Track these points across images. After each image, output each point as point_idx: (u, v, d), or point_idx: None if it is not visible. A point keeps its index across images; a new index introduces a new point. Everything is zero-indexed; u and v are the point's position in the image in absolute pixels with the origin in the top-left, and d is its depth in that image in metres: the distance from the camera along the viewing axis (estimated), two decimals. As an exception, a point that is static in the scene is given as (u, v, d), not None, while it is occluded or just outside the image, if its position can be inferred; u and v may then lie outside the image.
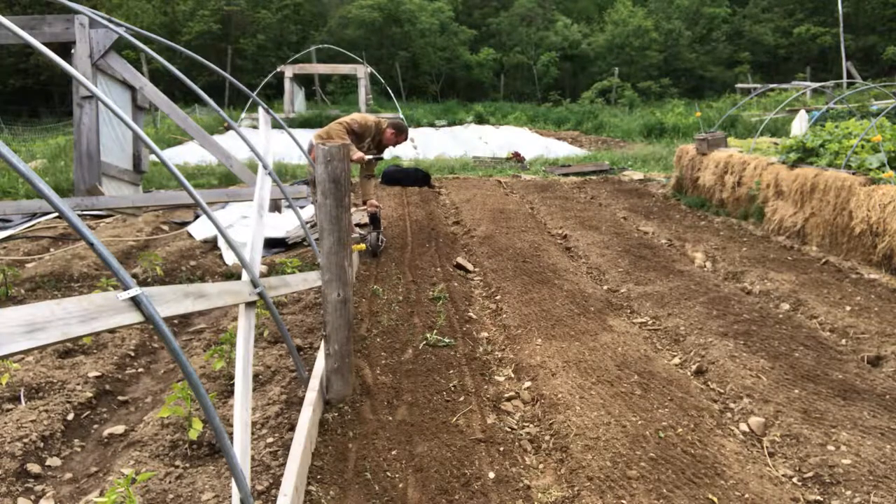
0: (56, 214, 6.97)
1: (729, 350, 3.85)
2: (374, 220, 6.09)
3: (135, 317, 1.68)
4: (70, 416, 3.20)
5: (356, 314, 4.45)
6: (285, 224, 6.76)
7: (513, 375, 3.74)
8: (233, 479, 2.11)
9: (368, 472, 2.71)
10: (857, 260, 5.59)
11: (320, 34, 26.61)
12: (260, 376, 3.58)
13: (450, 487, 2.62)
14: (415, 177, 10.03)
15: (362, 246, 5.99)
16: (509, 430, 3.13)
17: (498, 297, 5.00)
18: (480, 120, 20.38)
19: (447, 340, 4.08)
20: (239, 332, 2.56)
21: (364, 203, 6.11)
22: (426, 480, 2.66)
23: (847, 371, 3.57)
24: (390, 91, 20.65)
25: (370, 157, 5.95)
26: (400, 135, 6.03)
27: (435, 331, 4.23)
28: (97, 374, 3.60)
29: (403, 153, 12.88)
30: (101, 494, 2.50)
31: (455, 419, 3.15)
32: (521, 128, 18.58)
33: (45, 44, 2.30)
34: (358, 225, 6.93)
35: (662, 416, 3.11)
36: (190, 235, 6.85)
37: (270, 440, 2.91)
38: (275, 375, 3.60)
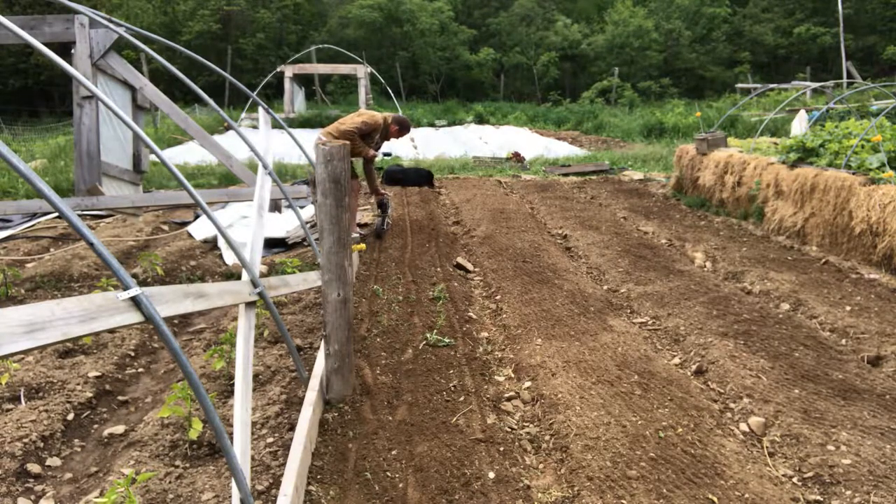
0: (56, 214, 6.98)
1: (729, 350, 3.85)
2: (382, 205, 6.82)
3: (135, 317, 1.68)
4: (70, 416, 3.20)
5: (356, 314, 4.45)
6: (285, 224, 6.76)
7: (513, 375, 3.74)
8: (233, 479, 2.11)
9: (368, 472, 2.71)
10: (857, 260, 5.59)
11: (320, 34, 26.63)
12: (260, 376, 3.58)
13: (450, 487, 2.61)
14: (417, 176, 10.01)
15: (362, 246, 6.02)
16: (509, 430, 3.13)
17: (498, 297, 5.00)
18: (480, 120, 20.39)
19: (447, 340, 4.08)
20: (239, 332, 2.56)
21: (372, 192, 6.92)
22: (426, 480, 2.66)
23: (847, 371, 3.57)
24: (390, 91, 20.66)
25: (378, 152, 6.69)
26: (402, 130, 6.54)
27: (435, 331, 4.23)
28: (97, 374, 3.60)
29: (404, 153, 12.88)
30: (101, 494, 2.50)
31: (455, 419, 3.15)
32: (521, 128, 18.58)
33: (45, 44, 2.30)
34: (359, 225, 6.98)
35: (662, 416, 3.11)
36: (190, 235, 6.85)
37: (270, 440, 2.91)
38: (275, 375, 3.60)
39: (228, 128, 14.92)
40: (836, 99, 12.84)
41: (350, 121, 6.19)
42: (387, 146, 6.96)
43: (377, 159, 7.18)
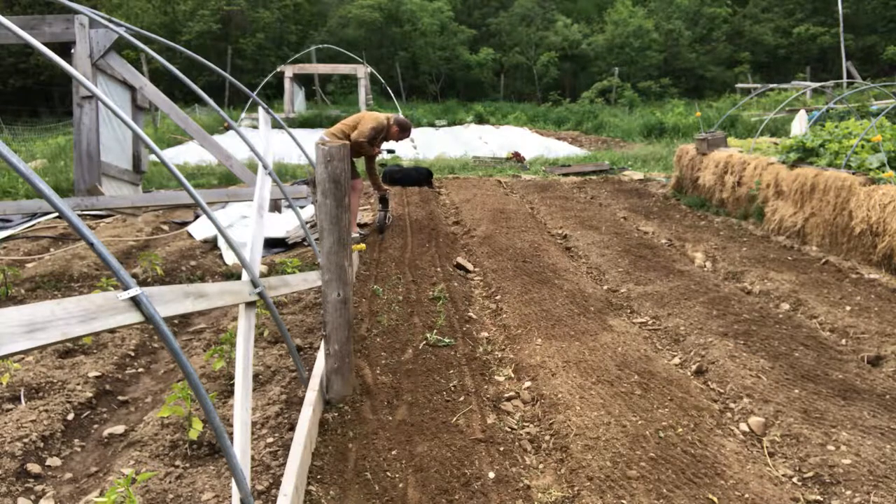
0: (56, 214, 6.98)
1: (729, 350, 3.85)
2: (384, 200, 7.03)
3: (135, 317, 1.68)
4: (70, 416, 3.20)
5: (356, 314, 4.45)
6: (285, 224, 6.76)
7: (513, 375, 3.74)
8: (233, 479, 2.11)
9: (368, 472, 2.71)
10: (857, 260, 5.59)
11: (320, 34, 26.64)
12: (260, 376, 3.58)
13: (450, 487, 2.61)
14: (416, 176, 10.01)
15: (362, 246, 6.02)
16: (509, 430, 3.13)
17: (498, 297, 5.00)
18: (480, 120, 20.39)
19: (447, 340, 4.08)
20: (239, 332, 2.56)
21: (375, 188, 7.14)
22: (426, 480, 2.66)
23: (847, 371, 3.57)
24: (390, 91, 20.66)
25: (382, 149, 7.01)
26: (403, 133, 6.61)
27: (435, 331, 4.23)
28: (97, 374, 3.60)
29: (404, 153, 12.88)
30: (101, 494, 2.50)
31: (455, 419, 3.15)
32: (521, 128, 18.58)
33: (45, 44, 2.30)
34: (359, 225, 7.00)
35: (662, 415, 3.11)
36: (190, 235, 6.85)
37: (270, 440, 2.91)
38: (275, 375, 3.60)
39: (228, 128, 14.92)
40: (836, 99, 12.84)
41: (359, 129, 6.18)
42: (389, 144, 7.10)
43: (382, 157, 7.33)
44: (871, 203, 5.45)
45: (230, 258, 5.91)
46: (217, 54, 23.55)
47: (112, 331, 3.34)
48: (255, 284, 2.75)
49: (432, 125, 19.33)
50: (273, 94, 22.12)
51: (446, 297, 4.87)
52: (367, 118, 6.34)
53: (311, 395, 3.04)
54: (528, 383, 3.59)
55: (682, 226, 7.32)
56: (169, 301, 1.89)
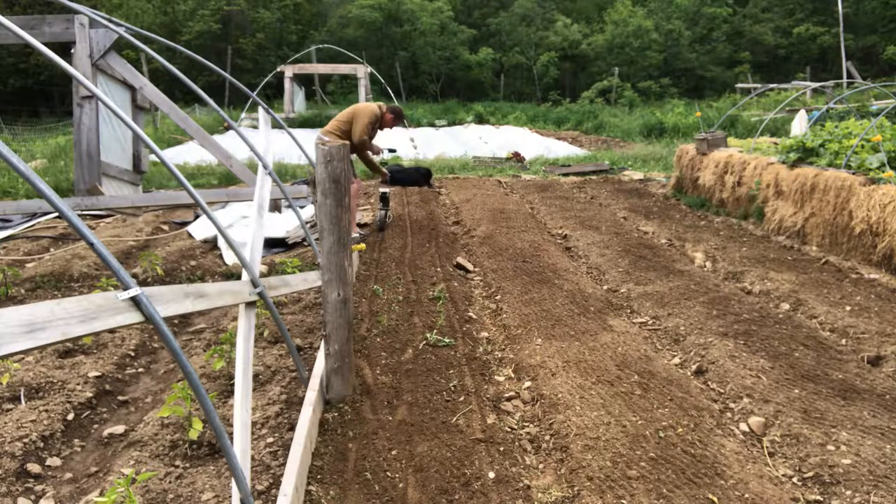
0: (56, 214, 6.98)
1: (729, 350, 3.85)
2: (384, 199, 7.08)
3: (135, 317, 1.68)
4: (70, 416, 3.20)
5: (356, 314, 4.45)
6: (285, 224, 6.76)
7: (513, 375, 3.74)
8: (233, 479, 2.11)
9: (368, 472, 2.71)
10: (857, 260, 5.59)
11: (320, 34, 26.65)
12: (260, 376, 3.58)
13: (450, 487, 2.61)
14: (416, 176, 10.00)
15: (362, 246, 6.02)
16: (509, 429, 3.13)
17: (498, 297, 5.00)
18: (480, 120, 20.39)
19: (447, 340, 4.08)
20: (239, 332, 2.56)
21: (373, 170, 6.94)
22: (426, 480, 2.66)
23: (847, 371, 3.57)
24: (390, 91, 20.66)
25: (380, 148, 6.96)
26: (396, 119, 6.63)
27: (435, 331, 4.23)
28: (97, 373, 3.60)
29: (404, 153, 12.89)
30: (101, 494, 2.50)
31: (455, 419, 3.15)
32: (521, 128, 18.58)
33: (45, 44, 2.30)
34: (359, 225, 7.00)
35: (662, 415, 3.11)
36: (190, 235, 6.85)
37: (270, 440, 2.91)
38: (275, 375, 3.60)
39: (228, 128, 14.91)
40: (836, 99, 12.84)
41: (356, 129, 6.14)
42: (389, 143, 7.06)
43: (382, 157, 7.33)
44: (871, 203, 5.45)
45: (230, 258, 5.91)
46: (217, 54, 23.55)
47: (112, 331, 3.34)
48: (255, 284, 2.75)
49: (432, 125, 19.32)
50: (273, 94, 22.12)
51: (446, 297, 4.87)
52: (362, 112, 6.27)
53: (311, 395, 3.04)
54: (528, 383, 3.59)
55: (682, 226, 7.32)
56: (169, 301, 1.89)
